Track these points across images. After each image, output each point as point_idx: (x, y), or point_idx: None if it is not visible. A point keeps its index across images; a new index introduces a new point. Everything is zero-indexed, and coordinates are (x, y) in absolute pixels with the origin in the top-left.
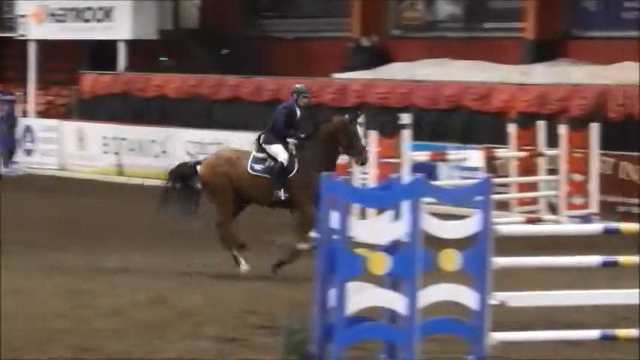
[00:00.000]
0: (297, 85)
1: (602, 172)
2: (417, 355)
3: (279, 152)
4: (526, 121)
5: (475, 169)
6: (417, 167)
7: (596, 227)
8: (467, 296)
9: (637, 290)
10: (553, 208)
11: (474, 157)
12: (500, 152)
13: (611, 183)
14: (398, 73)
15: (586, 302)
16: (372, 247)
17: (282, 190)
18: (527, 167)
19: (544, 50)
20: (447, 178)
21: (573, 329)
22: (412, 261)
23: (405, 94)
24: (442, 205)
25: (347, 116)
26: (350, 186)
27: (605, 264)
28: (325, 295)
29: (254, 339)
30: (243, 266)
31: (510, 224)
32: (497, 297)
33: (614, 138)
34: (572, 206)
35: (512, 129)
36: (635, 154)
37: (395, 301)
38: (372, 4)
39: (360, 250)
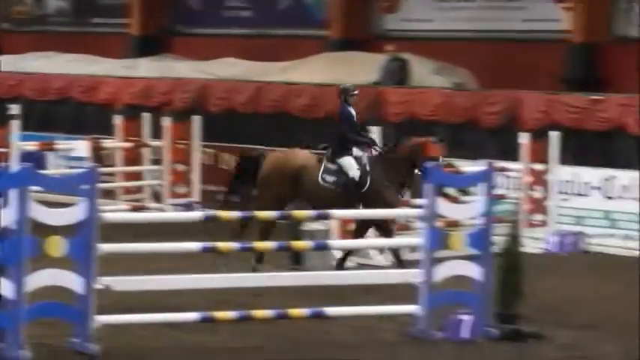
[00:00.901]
0: (342, 85)
1: (204, 162)
2: (24, 338)
3: (350, 167)
4: (131, 113)
5: (82, 158)
6: (26, 157)
7: (197, 215)
8: (72, 281)
9: (235, 275)
10: (157, 197)
11: (81, 147)
12: (107, 143)
13: (211, 173)
14: (6, 65)
15: (187, 286)
16: None
17: (357, 204)
18: (133, 157)
19: (148, 45)
20: (55, 168)
21: (175, 312)
22: (19, 247)
23: (13, 85)
24: (51, 193)
25: (432, 139)
26: None
27: (205, 249)
28: None
29: None
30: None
31: (116, 212)
32: (102, 281)
33: (214, 130)
34: (175, 195)
35: (117, 120)
36: (234, 145)
37: (2, 287)
38: None
39: None
